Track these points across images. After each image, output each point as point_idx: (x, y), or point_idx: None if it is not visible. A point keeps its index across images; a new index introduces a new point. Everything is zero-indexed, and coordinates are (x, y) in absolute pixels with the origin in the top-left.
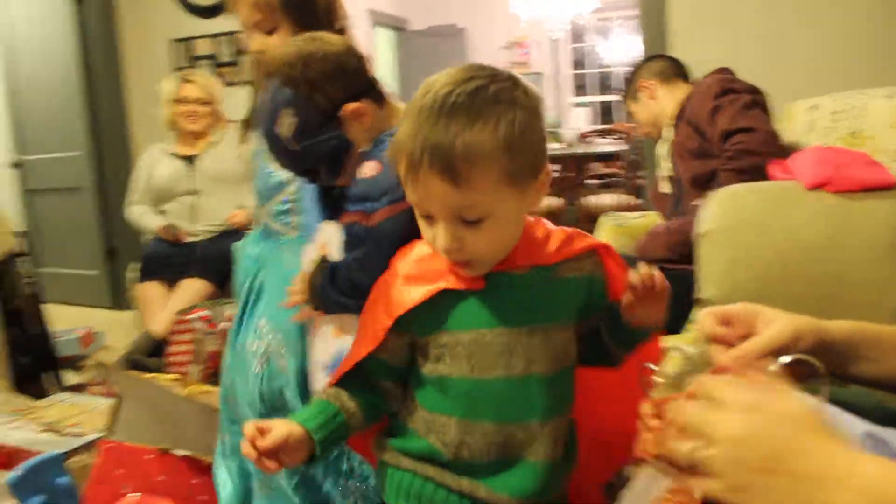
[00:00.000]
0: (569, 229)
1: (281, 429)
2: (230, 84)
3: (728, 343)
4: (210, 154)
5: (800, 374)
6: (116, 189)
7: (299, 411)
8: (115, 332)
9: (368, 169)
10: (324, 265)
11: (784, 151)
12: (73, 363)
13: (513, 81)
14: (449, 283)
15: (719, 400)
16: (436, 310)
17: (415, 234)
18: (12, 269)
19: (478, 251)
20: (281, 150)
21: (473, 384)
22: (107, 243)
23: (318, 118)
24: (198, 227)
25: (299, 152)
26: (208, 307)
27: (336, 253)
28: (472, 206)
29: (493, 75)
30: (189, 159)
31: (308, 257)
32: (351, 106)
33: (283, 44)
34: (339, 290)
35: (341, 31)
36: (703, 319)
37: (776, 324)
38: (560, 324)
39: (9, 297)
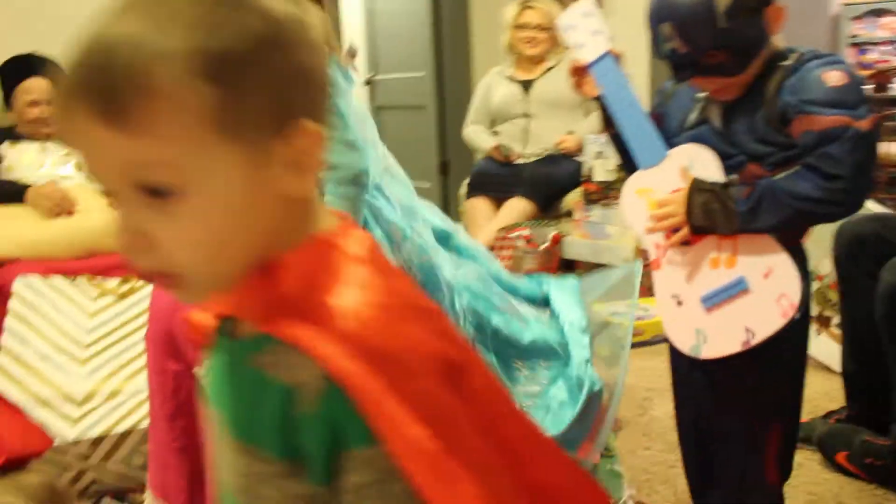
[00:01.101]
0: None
1: None
2: None
3: None
4: (546, 79)
5: None
6: (455, 108)
7: None
8: None
9: (836, 78)
10: (712, 185)
11: None
12: None
13: None
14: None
15: None
16: None
17: None
18: None
19: (179, 257)
20: (701, 25)
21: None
22: (441, 158)
23: (754, 2)
24: (528, 150)
25: (726, 29)
26: (530, 227)
27: (710, 173)
28: (154, 163)
29: None
30: (525, 84)
31: (642, 185)
32: (777, 5)
33: None
34: (783, 205)
35: None
36: None
37: None
38: (258, 448)
39: None
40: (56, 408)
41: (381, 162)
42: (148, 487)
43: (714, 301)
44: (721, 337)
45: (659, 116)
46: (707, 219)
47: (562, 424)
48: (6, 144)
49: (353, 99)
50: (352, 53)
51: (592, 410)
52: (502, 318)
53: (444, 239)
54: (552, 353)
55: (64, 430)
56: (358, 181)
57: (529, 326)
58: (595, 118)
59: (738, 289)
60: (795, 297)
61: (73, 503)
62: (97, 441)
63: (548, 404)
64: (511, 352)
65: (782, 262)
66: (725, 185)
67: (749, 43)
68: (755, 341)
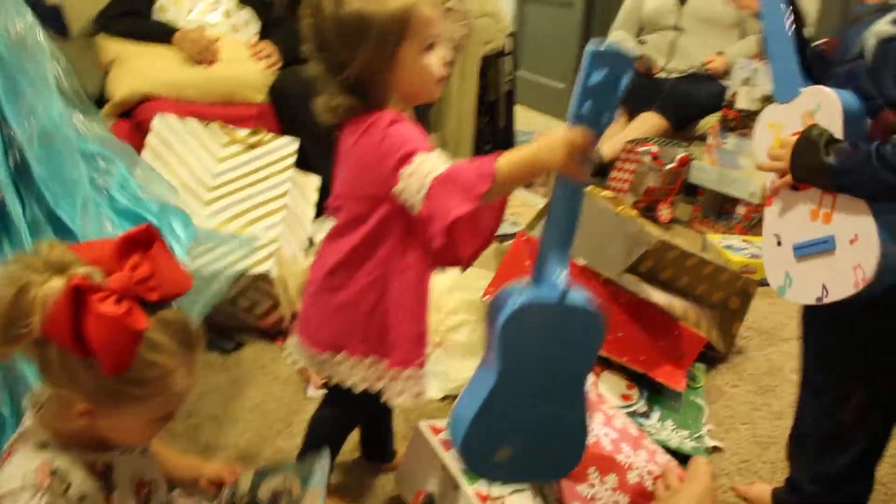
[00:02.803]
0: None
1: None
2: None
3: None
4: None
5: None
6: (604, 9)
7: None
8: None
9: None
10: (818, 136)
11: None
12: None
13: None
14: None
15: None
16: None
17: None
18: (497, 65)
19: None
20: None
21: None
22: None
23: None
24: (671, 65)
25: None
26: (659, 144)
27: (832, 121)
28: None
29: None
30: None
31: (775, 119)
32: None
33: None
34: (874, 177)
35: None
36: None
37: None
38: None
39: (489, 89)
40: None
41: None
42: (304, 340)
43: (804, 252)
44: (802, 286)
45: (837, 41)
46: (803, 172)
47: None
48: None
49: None
50: None
51: None
52: None
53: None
54: None
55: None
56: None
57: None
58: (748, 42)
59: (825, 247)
60: (870, 271)
61: (203, 341)
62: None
63: None
64: None
65: (868, 233)
66: (834, 140)
67: None
68: (826, 300)
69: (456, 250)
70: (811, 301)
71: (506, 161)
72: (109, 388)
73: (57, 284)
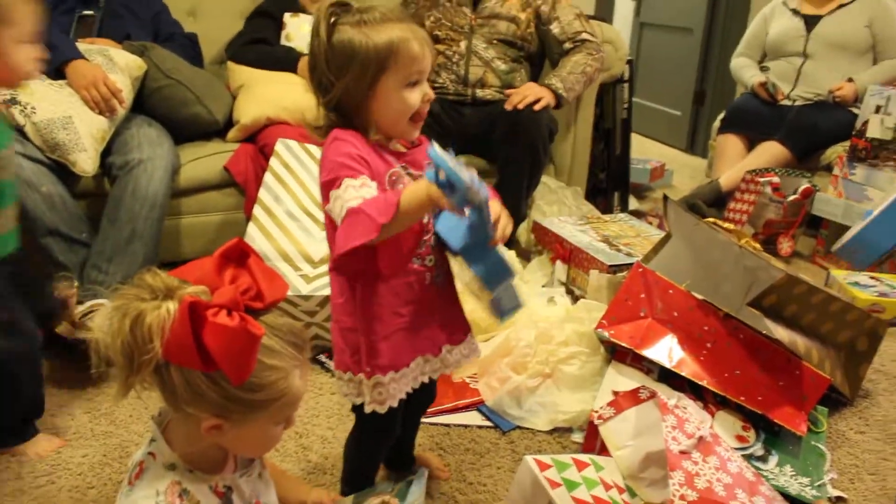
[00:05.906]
0: None
1: None
2: None
3: None
4: (836, 17)
5: None
6: (723, 35)
7: None
8: (683, 174)
9: None
10: None
11: None
12: (640, 191)
13: None
14: None
15: None
16: None
17: None
18: (614, 92)
19: None
20: None
21: None
22: (698, 87)
23: None
24: (797, 92)
25: None
26: (781, 175)
27: None
28: None
29: None
30: (810, 19)
31: None
32: None
33: None
34: None
35: None
36: None
37: None
38: None
39: (605, 116)
40: (295, 263)
41: None
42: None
43: None
44: None
45: None
46: None
47: None
48: (288, 15)
49: None
50: None
51: None
52: None
53: None
54: None
55: (299, 284)
56: None
57: None
58: (882, 68)
59: None
60: None
61: (309, 342)
62: (325, 301)
63: None
64: None
65: None
66: None
67: None
68: None
69: (363, 267)
70: None
71: (405, 196)
72: (235, 397)
73: (171, 307)
